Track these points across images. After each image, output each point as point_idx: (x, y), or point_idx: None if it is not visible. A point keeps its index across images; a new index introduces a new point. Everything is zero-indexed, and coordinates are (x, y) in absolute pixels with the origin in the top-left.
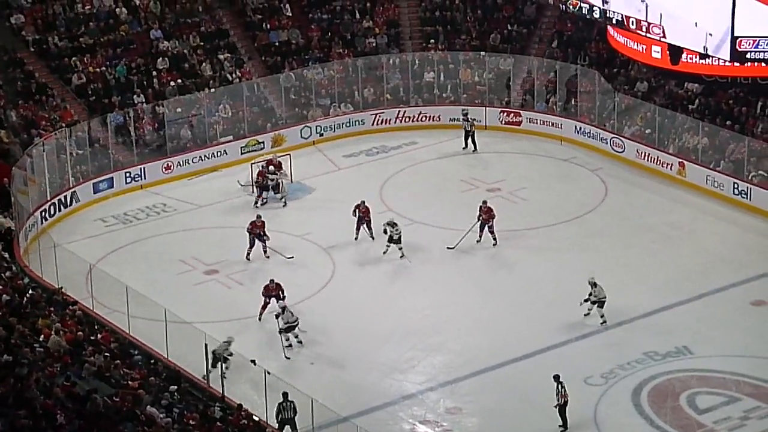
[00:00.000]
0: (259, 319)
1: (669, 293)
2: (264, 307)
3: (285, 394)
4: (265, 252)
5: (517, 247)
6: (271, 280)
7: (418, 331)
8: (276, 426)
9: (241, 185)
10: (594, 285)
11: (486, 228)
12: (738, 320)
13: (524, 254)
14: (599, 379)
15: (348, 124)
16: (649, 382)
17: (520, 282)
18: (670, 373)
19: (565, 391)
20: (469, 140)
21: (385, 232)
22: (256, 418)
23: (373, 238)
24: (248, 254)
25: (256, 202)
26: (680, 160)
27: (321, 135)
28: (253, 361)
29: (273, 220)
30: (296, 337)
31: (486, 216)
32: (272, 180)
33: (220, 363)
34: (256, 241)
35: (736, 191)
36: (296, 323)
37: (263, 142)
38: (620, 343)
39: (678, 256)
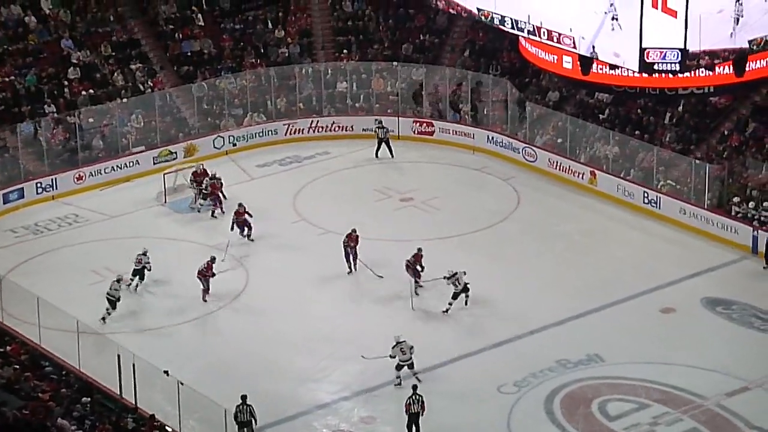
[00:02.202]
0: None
1: (580, 301)
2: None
3: (243, 397)
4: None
5: (430, 257)
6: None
7: (331, 339)
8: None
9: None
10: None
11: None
12: (648, 327)
13: (437, 264)
14: (512, 388)
15: (261, 134)
16: (562, 389)
17: (434, 292)
18: (581, 381)
19: (421, 400)
20: (383, 147)
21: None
22: (169, 429)
23: (350, 271)
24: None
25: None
26: (591, 169)
27: (234, 145)
28: (166, 372)
29: (189, 230)
30: (415, 375)
31: (353, 243)
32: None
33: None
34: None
35: (646, 200)
36: (409, 361)
37: (176, 152)
38: (532, 351)
39: (589, 264)
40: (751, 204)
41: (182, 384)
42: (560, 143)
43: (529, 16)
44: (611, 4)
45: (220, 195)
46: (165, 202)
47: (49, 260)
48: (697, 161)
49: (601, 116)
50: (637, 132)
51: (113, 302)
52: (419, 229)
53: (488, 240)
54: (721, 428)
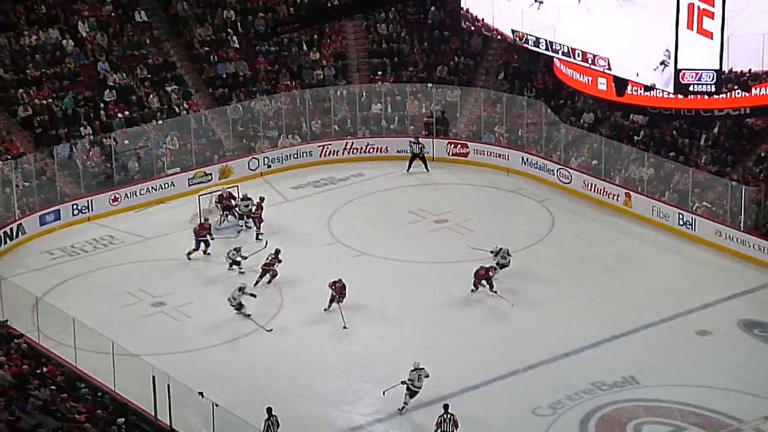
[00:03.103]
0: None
1: (615, 323)
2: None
3: (269, 410)
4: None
5: (465, 279)
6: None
7: (365, 362)
8: None
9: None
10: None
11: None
12: (683, 350)
13: (471, 286)
14: (547, 410)
15: (295, 156)
16: (597, 412)
17: (468, 314)
18: (616, 403)
19: (453, 419)
20: (416, 162)
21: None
22: None
23: (345, 327)
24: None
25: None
26: (626, 190)
27: (268, 167)
28: (201, 393)
29: (222, 253)
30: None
31: (338, 294)
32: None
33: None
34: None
35: (681, 222)
36: (419, 390)
37: (211, 174)
38: (567, 374)
39: (624, 287)
40: None
41: (217, 405)
42: (595, 165)
43: (563, 38)
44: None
45: (260, 214)
46: (219, 227)
47: (85, 282)
48: (733, 183)
49: (636, 138)
50: (672, 154)
51: (236, 307)
52: (454, 251)
53: (523, 263)
54: None
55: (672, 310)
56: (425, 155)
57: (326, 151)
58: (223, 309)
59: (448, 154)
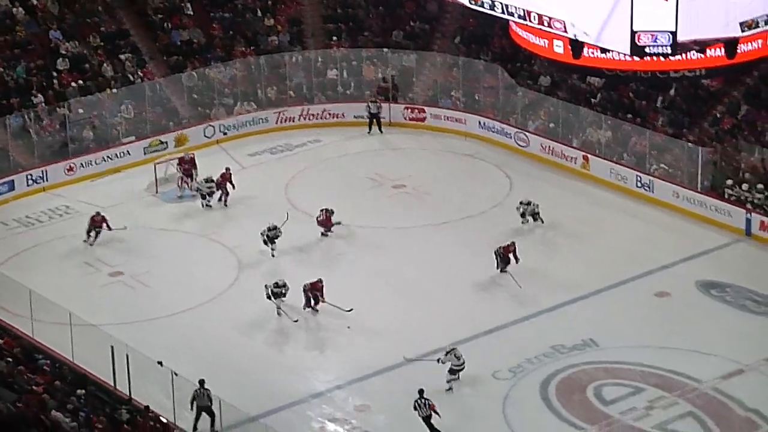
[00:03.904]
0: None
1: (574, 286)
2: None
3: (201, 382)
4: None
5: (423, 244)
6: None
7: (325, 329)
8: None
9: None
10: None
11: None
12: (642, 312)
13: (431, 250)
14: (507, 374)
15: (251, 123)
16: (557, 375)
17: (428, 279)
18: (576, 366)
19: (428, 403)
20: (374, 124)
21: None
22: (164, 420)
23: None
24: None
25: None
26: (584, 153)
27: (224, 134)
28: (160, 363)
29: (181, 220)
30: (456, 380)
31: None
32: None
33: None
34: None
35: (639, 184)
36: (462, 366)
37: (166, 142)
38: (527, 337)
39: (582, 249)
40: (744, 186)
41: (176, 374)
42: (552, 128)
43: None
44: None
45: (229, 185)
46: (156, 192)
47: (41, 253)
48: (690, 145)
49: (593, 100)
50: (629, 116)
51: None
52: (412, 216)
53: (481, 226)
54: (716, 411)
55: (630, 272)
56: (380, 114)
57: (282, 118)
58: (181, 277)
59: (405, 118)
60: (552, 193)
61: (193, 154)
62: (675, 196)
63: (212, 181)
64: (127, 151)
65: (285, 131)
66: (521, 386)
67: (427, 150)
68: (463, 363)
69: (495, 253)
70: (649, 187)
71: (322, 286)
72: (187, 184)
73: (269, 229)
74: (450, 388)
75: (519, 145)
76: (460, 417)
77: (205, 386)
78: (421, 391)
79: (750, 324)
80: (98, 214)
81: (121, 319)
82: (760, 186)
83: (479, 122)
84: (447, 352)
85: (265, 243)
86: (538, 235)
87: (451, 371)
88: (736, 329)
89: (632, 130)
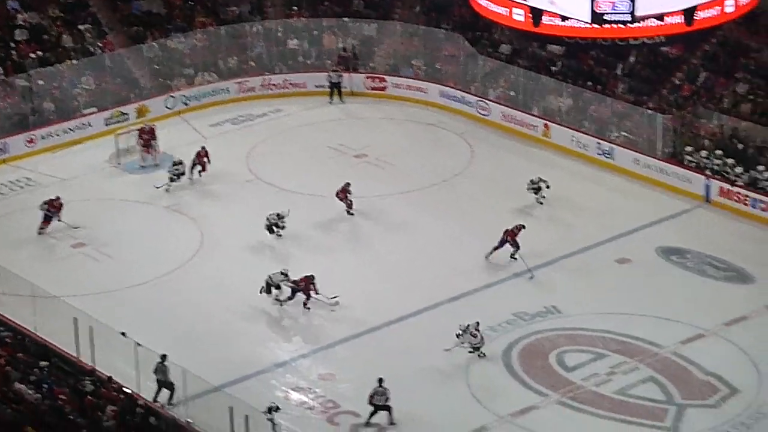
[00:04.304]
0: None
1: (537, 253)
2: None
3: (163, 356)
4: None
5: (387, 213)
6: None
7: (290, 301)
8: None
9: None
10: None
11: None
12: (603, 278)
13: (393, 220)
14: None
15: (212, 93)
16: (519, 342)
17: (392, 247)
18: (539, 333)
19: (382, 394)
20: (335, 93)
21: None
22: (128, 390)
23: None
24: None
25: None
26: (545, 121)
27: (186, 105)
28: (123, 333)
29: (143, 191)
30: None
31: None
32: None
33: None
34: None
35: (600, 151)
36: (480, 342)
37: (127, 113)
38: (489, 305)
39: (544, 217)
40: (704, 153)
41: (140, 345)
42: (513, 96)
43: None
44: None
45: (206, 161)
46: (119, 163)
47: (2, 224)
48: (650, 112)
49: (553, 68)
50: (589, 84)
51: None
52: (375, 185)
53: (443, 195)
54: (676, 376)
55: (592, 239)
56: (341, 84)
57: (243, 88)
58: (144, 248)
59: (366, 88)
60: (513, 161)
61: (154, 125)
62: (635, 163)
63: (181, 163)
64: (89, 123)
65: (246, 101)
66: (484, 353)
67: (388, 119)
68: (481, 339)
69: (503, 239)
70: (609, 155)
71: (313, 282)
72: (150, 154)
73: (279, 217)
74: (483, 354)
75: (480, 113)
76: (424, 384)
77: (166, 362)
78: (380, 380)
79: (709, 289)
80: (58, 198)
81: (83, 291)
82: (719, 152)
83: (440, 91)
84: (461, 334)
85: (268, 229)
86: (497, 203)
87: (474, 349)
88: (695, 294)
89: (593, 97)
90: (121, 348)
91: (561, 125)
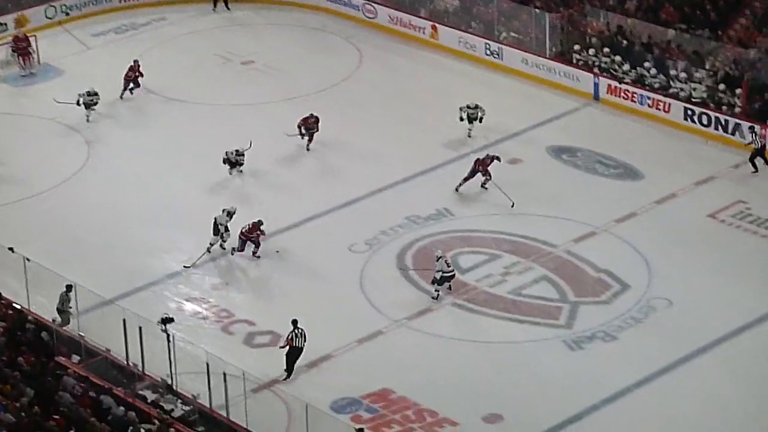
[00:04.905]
0: None
1: (426, 156)
2: None
3: (68, 287)
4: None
5: (274, 119)
6: None
7: (180, 211)
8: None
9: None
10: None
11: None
12: (496, 179)
13: (282, 126)
14: (363, 246)
15: (94, 2)
16: (413, 245)
17: (281, 156)
18: (432, 236)
19: (302, 334)
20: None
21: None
22: (17, 306)
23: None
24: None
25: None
26: (432, 23)
27: (67, 14)
28: (11, 249)
29: (26, 103)
30: (449, 289)
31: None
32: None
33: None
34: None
35: (488, 52)
36: (452, 273)
37: (5, 24)
38: (381, 209)
39: (433, 120)
40: (592, 51)
41: (29, 260)
42: None
43: None
44: None
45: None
46: (24, 73)
47: None
48: (537, 11)
49: None
50: None
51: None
52: (263, 92)
53: (332, 100)
54: (570, 274)
55: (482, 140)
56: None
57: None
58: (31, 161)
59: None
60: (401, 64)
61: (34, 35)
62: (524, 62)
63: (95, 93)
64: None
65: (129, 10)
66: (378, 258)
67: (274, 25)
68: (453, 270)
69: (474, 168)
70: (498, 55)
71: (261, 228)
72: (28, 62)
73: (237, 153)
74: (436, 297)
75: (367, 16)
76: (318, 291)
77: (70, 292)
78: (294, 322)
79: (600, 187)
80: None
81: None
82: (606, 50)
83: None
84: (438, 258)
85: (225, 163)
86: (386, 108)
87: (440, 280)
88: (586, 192)
89: None
90: (9, 263)
91: (448, 26)
